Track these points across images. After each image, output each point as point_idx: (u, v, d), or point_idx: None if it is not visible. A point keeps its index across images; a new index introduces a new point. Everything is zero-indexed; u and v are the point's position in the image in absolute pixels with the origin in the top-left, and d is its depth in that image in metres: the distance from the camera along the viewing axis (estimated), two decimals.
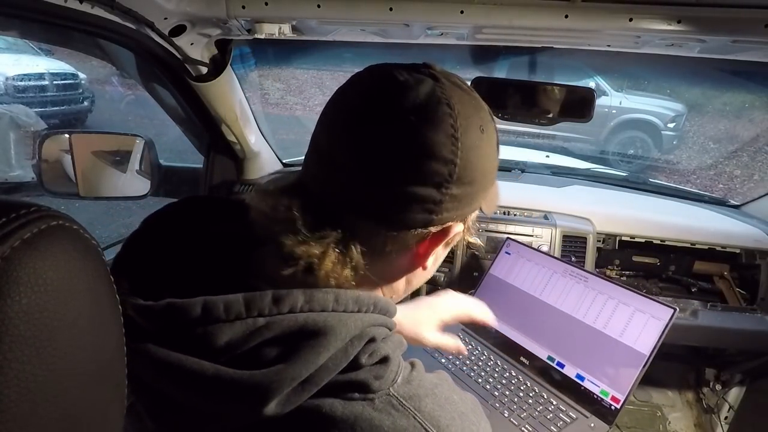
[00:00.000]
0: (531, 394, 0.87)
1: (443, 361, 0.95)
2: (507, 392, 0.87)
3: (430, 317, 0.77)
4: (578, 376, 0.87)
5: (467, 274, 1.21)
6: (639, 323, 0.84)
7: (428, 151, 0.39)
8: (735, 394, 1.38)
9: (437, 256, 0.47)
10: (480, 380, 0.90)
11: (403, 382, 0.40)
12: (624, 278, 1.32)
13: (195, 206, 0.49)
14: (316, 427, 0.37)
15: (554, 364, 0.90)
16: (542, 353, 0.93)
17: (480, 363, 0.95)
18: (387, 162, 0.39)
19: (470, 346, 0.99)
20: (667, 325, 0.81)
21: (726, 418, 1.38)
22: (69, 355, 0.25)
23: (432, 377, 0.44)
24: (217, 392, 0.35)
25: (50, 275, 0.24)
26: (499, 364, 0.95)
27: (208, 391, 0.35)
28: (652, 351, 0.81)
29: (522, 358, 0.94)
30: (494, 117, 0.46)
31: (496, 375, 0.92)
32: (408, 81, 0.40)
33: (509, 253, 1.09)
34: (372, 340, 0.39)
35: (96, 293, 0.27)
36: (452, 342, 0.77)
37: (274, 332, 0.36)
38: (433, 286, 1.22)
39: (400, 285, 0.47)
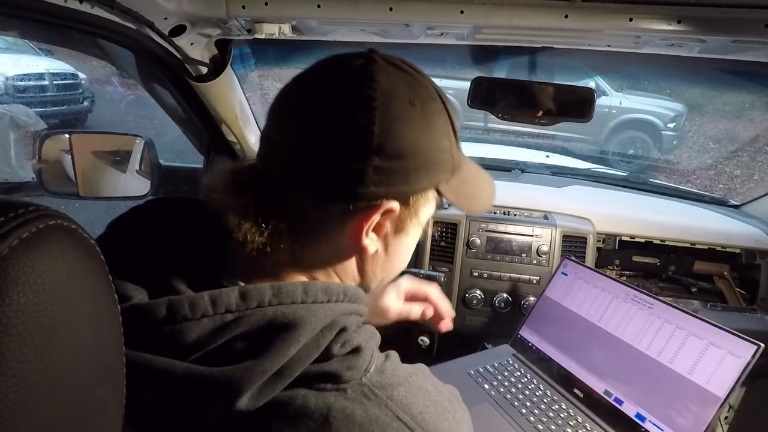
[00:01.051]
0: (581, 431, 0.79)
1: (486, 386, 0.87)
2: (553, 426, 0.79)
3: (389, 288, 0.78)
4: (638, 415, 0.77)
5: (466, 273, 1.21)
6: (713, 360, 0.74)
7: (340, 119, 0.39)
8: (735, 394, 1.38)
9: (386, 241, 0.45)
10: (524, 410, 0.82)
11: (375, 371, 0.40)
12: (624, 278, 1.32)
13: (161, 207, 0.49)
14: (290, 418, 0.37)
15: (611, 400, 0.81)
16: (598, 386, 0.84)
17: (527, 392, 0.87)
18: (304, 132, 0.40)
19: (519, 373, 0.92)
20: (748, 364, 0.70)
21: (726, 418, 1.38)
22: (67, 354, 0.25)
23: (407, 367, 0.44)
24: (188, 390, 0.35)
25: (48, 275, 0.23)
26: (548, 394, 0.86)
27: (180, 389, 0.35)
28: (728, 393, 0.70)
29: (575, 390, 0.86)
30: (446, 102, 0.45)
31: (543, 406, 0.83)
32: (339, 60, 0.42)
33: (566, 274, 1.00)
34: (343, 329, 0.39)
35: (94, 293, 0.27)
36: (416, 308, 0.79)
37: (243, 327, 0.36)
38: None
39: (351, 270, 0.46)
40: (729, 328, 0.76)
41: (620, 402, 0.81)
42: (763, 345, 0.72)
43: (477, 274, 1.21)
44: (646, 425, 0.76)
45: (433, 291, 0.81)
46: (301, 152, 0.40)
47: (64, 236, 0.25)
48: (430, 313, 0.80)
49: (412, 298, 0.81)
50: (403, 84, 0.41)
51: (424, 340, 1.27)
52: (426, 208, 0.46)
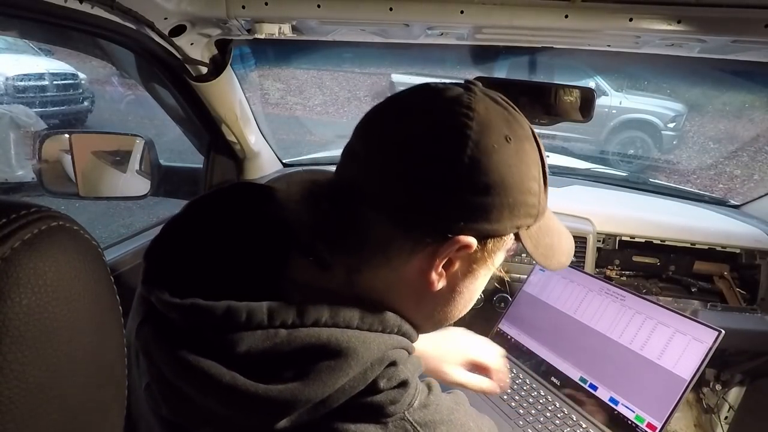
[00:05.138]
0: (559, 415, 0.83)
1: None
2: (533, 411, 0.84)
3: (454, 354, 0.72)
4: (612, 399, 0.82)
5: None
6: (679, 346, 0.79)
7: (428, 144, 0.38)
8: (735, 394, 1.38)
9: (453, 281, 0.42)
10: (505, 397, 0.86)
11: (419, 406, 0.39)
12: (624, 278, 1.32)
13: (242, 194, 0.48)
14: None
15: (586, 386, 0.86)
16: (574, 374, 0.89)
17: (507, 380, 0.93)
18: (389, 153, 0.39)
19: None
20: (710, 349, 0.76)
21: (726, 418, 1.38)
22: (69, 356, 0.25)
23: (449, 401, 0.43)
24: (230, 400, 0.35)
25: (50, 276, 0.23)
26: (527, 382, 0.91)
27: (222, 397, 0.35)
28: (694, 376, 0.75)
29: (553, 379, 0.91)
30: (541, 145, 0.43)
31: (522, 393, 0.88)
32: (437, 87, 0.41)
33: (543, 270, 1.05)
34: (392, 363, 0.38)
35: (96, 294, 0.27)
36: (477, 381, 0.72)
37: (295, 346, 0.36)
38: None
39: (408, 304, 0.43)
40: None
41: (595, 387, 0.86)
42: (723, 331, 0.77)
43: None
44: (619, 408, 0.81)
45: (497, 362, 0.74)
46: (383, 173, 0.39)
47: (65, 237, 0.25)
48: (493, 389, 0.73)
49: (474, 367, 0.74)
50: (500, 118, 0.40)
51: None
52: (501, 253, 0.43)
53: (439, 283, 0.41)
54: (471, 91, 0.40)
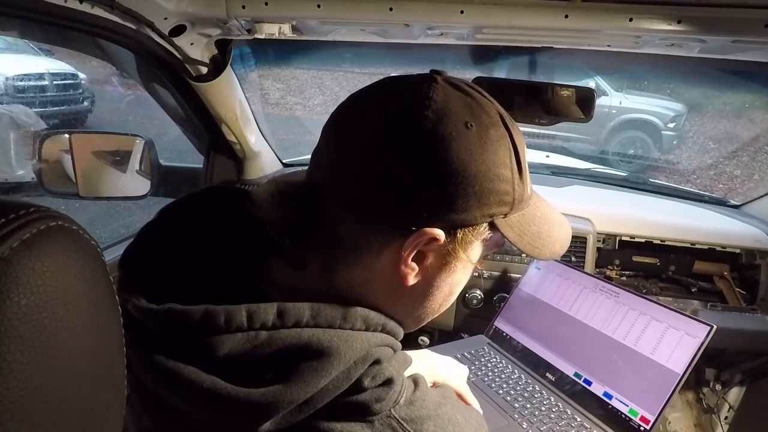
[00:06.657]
0: (554, 410, 0.84)
1: None
2: (528, 405, 0.85)
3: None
4: (606, 394, 0.84)
5: None
6: (672, 341, 0.81)
7: (385, 136, 0.37)
8: (735, 394, 1.38)
9: (427, 275, 0.41)
10: (501, 391, 0.88)
11: (405, 403, 0.39)
12: (624, 278, 1.32)
13: (216, 197, 0.48)
14: None
15: (581, 381, 0.88)
16: (569, 369, 0.90)
17: (503, 375, 0.93)
18: (350, 148, 0.39)
19: (494, 360, 0.98)
20: (702, 344, 0.77)
21: (726, 418, 1.38)
22: (68, 356, 0.25)
23: (435, 395, 0.42)
24: (212, 405, 0.35)
25: (49, 276, 0.23)
26: (522, 378, 0.92)
27: (203, 403, 0.35)
28: (686, 370, 0.77)
29: (547, 374, 0.92)
30: (513, 131, 0.41)
31: (518, 388, 0.89)
32: (398, 79, 0.40)
33: (539, 268, 1.07)
34: (377, 362, 0.38)
35: (95, 294, 0.27)
36: None
37: (276, 347, 0.35)
38: None
39: (385, 301, 0.42)
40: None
41: (589, 383, 0.87)
42: (715, 326, 0.78)
43: (477, 274, 1.20)
44: (613, 402, 0.83)
45: (462, 383, 0.65)
46: (345, 169, 0.38)
47: (65, 237, 0.25)
48: None
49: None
50: (460, 105, 0.38)
51: (424, 340, 1.27)
52: (477, 244, 0.41)
53: (413, 278, 0.40)
54: (432, 81, 0.39)
